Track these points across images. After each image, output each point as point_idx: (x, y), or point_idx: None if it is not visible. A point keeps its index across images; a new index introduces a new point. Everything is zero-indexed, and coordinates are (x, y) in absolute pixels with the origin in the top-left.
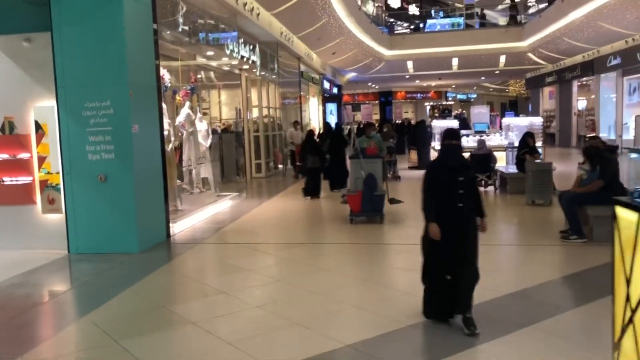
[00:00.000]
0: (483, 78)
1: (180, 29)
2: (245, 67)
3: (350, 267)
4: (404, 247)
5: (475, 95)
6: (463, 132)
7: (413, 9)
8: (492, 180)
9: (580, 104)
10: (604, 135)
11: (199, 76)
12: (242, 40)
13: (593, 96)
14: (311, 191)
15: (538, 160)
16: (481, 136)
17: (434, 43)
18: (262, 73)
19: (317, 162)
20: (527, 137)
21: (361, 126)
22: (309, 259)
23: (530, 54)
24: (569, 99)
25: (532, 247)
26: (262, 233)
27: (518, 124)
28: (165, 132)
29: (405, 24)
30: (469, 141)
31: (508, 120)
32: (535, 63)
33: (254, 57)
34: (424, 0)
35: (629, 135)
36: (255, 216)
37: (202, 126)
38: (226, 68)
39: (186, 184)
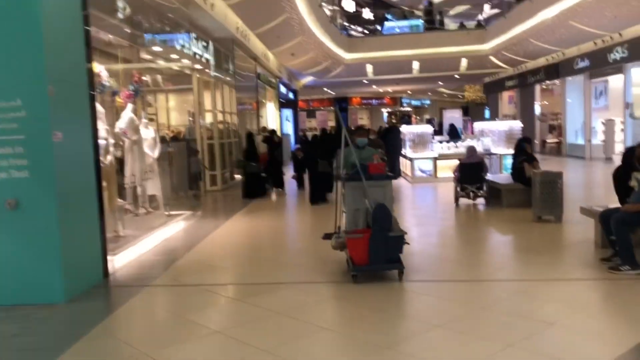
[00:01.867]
0: (440, 83)
1: (120, 18)
2: (198, 66)
3: (359, 324)
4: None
5: (429, 102)
6: (438, 138)
7: (367, 13)
8: (482, 192)
9: (538, 108)
10: (570, 140)
11: (145, 78)
12: (194, 35)
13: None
14: (317, 198)
15: (538, 170)
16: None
17: (395, 46)
18: (216, 74)
19: (326, 166)
20: (525, 143)
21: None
22: (296, 310)
23: (492, 57)
24: (531, 103)
25: (576, 283)
26: (227, 268)
27: (494, 129)
28: (102, 142)
29: (360, 29)
30: (451, 148)
31: (482, 125)
32: (497, 66)
33: (207, 55)
34: (377, 4)
35: (597, 140)
36: (215, 243)
37: (148, 133)
38: (176, 67)
39: (129, 204)
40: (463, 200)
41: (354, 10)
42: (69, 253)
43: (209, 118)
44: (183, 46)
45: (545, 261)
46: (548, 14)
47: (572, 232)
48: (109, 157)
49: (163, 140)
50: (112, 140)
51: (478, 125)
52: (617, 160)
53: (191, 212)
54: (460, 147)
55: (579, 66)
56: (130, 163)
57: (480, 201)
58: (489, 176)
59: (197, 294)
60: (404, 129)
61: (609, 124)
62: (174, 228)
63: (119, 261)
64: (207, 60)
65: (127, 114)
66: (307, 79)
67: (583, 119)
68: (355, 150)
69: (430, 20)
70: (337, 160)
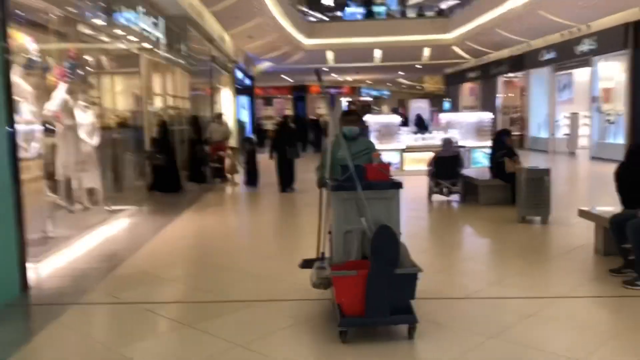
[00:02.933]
0: (401, 73)
1: None
2: (147, 45)
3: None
4: None
5: (388, 92)
6: (405, 129)
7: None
8: (457, 188)
9: (499, 101)
10: (533, 133)
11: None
12: (142, 9)
13: (516, 94)
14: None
15: (519, 165)
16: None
17: (356, 32)
18: (168, 56)
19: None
20: (505, 136)
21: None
22: (259, 341)
23: (455, 47)
24: (492, 95)
25: (587, 302)
26: (175, 280)
27: (462, 120)
28: (25, 127)
29: (319, 15)
30: (418, 140)
31: (449, 116)
32: (459, 57)
33: (157, 33)
34: None
35: (560, 134)
36: (162, 245)
37: (85, 118)
38: (122, 45)
39: (62, 199)
40: (436, 197)
41: None
42: None
43: (158, 103)
44: (129, 20)
45: (544, 272)
46: (517, 2)
47: (564, 236)
48: (35, 145)
49: (105, 128)
50: (39, 126)
51: (445, 117)
52: (582, 155)
53: (136, 207)
54: (428, 138)
55: (544, 58)
56: (63, 152)
57: (454, 198)
58: (464, 171)
59: (137, 315)
60: (369, 118)
61: (573, 118)
62: (115, 226)
63: (45, 269)
64: (157, 39)
65: (60, 94)
66: (265, 65)
67: (547, 112)
68: (343, 143)
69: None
70: (321, 158)
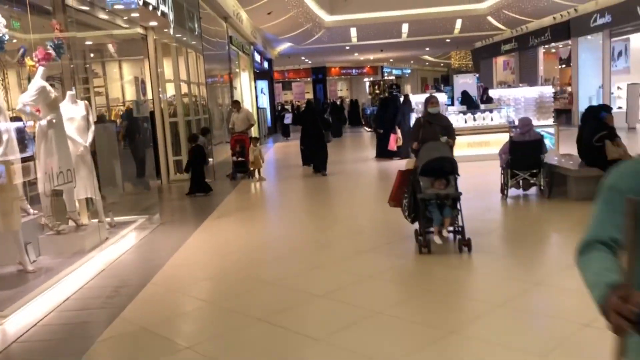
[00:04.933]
0: (428, 49)
1: None
2: (153, 24)
3: None
4: None
5: (409, 70)
6: (453, 108)
7: None
8: (540, 180)
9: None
10: (583, 108)
11: (89, 43)
12: None
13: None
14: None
15: (624, 150)
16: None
17: (382, 6)
18: (178, 35)
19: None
20: (603, 114)
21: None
22: None
23: (490, 18)
24: (534, 68)
25: None
26: (210, 338)
27: (519, 96)
28: None
29: None
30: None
31: (500, 92)
32: (495, 28)
33: (164, 8)
34: None
35: (615, 107)
36: (185, 270)
37: (75, 112)
38: (124, 25)
39: (46, 216)
40: (512, 191)
41: None
42: None
43: (170, 90)
44: None
45: None
46: None
47: None
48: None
49: (108, 121)
50: (6, 123)
51: (495, 93)
52: None
53: (146, 216)
54: (479, 119)
55: (597, 23)
56: (44, 156)
57: (533, 191)
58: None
59: None
60: (413, 98)
61: (632, 89)
62: (120, 247)
63: (15, 327)
64: (165, 15)
65: (37, 82)
66: (284, 46)
67: (599, 83)
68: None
69: None
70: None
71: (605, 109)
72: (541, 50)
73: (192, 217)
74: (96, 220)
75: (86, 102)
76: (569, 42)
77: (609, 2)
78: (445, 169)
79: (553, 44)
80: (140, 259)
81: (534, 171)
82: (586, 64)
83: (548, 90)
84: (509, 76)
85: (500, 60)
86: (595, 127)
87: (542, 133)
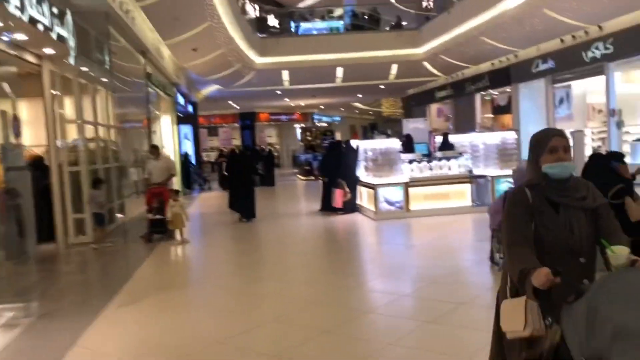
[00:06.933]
0: (360, 96)
1: None
2: (49, 51)
3: None
4: None
5: (339, 118)
6: (407, 156)
7: (272, 21)
8: None
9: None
10: (525, 156)
11: None
12: None
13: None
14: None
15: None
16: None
17: (317, 49)
18: (84, 69)
19: None
20: (616, 163)
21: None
22: None
23: (425, 63)
24: (471, 115)
25: None
26: None
27: (477, 142)
28: None
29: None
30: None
31: (458, 138)
32: (430, 74)
33: (61, 30)
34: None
35: None
36: None
37: None
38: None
39: None
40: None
41: (258, 15)
42: None
43: (73, 134)
44: (6, 2)
45: None
46: (516, 1)
47: None
48: None
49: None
50: None
51: (452, 139)
52: None
53: (22, 304)
54: (435, 167)
55: (539, 69)
56: None
57: None
58: None
59: None
60: (361, 144)
61: (578, 137)
62: None
63: None
64: (63, 39)
65: None
66: (210, 89)
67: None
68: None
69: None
70: None
71: (616, 156)
72: (478, 97)
73: (90, 299)
74: None
75: None
76: (507, 88)
77: (551, 47)
78: None
79: (490, 90)
80: None
81: None
82: (527, 111)
83: (511, 136)
84: (443, 124)
85: (434, 108)
86: (608, 180)
87: (502, 179)
